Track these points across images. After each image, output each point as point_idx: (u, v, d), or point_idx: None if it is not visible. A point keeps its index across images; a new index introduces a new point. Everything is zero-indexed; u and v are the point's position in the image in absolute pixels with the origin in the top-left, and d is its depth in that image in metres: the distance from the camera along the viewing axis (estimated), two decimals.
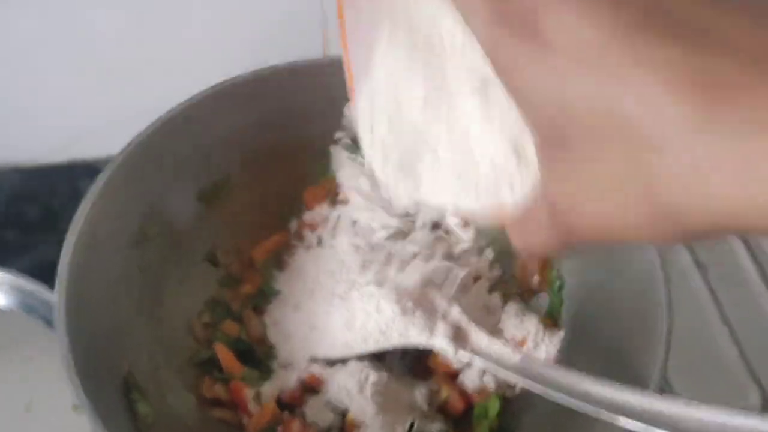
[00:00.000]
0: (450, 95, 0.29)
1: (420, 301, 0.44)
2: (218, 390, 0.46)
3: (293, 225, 0.54)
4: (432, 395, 0.47)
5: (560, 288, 0.50)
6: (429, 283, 0.46)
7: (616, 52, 0.19)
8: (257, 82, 0.52)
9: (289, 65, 0.52)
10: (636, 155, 0.20)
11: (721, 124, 0.18)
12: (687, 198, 0.19)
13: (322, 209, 0.52)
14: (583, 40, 0.20)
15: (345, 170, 0.50)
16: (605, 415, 0.35)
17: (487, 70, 0.24)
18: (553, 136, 0.22)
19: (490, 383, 0.46)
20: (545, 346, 0.46)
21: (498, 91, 0.27)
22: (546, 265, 0.51)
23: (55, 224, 0.64)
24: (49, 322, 0.54)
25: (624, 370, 0.42)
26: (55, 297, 0.42)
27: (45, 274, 0.55)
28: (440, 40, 0.29)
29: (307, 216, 0.52)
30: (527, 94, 0.22)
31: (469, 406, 0.47)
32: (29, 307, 0.55)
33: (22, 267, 0.58)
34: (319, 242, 0.51)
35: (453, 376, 0.47)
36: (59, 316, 0.41)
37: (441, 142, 0.30)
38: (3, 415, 0.52)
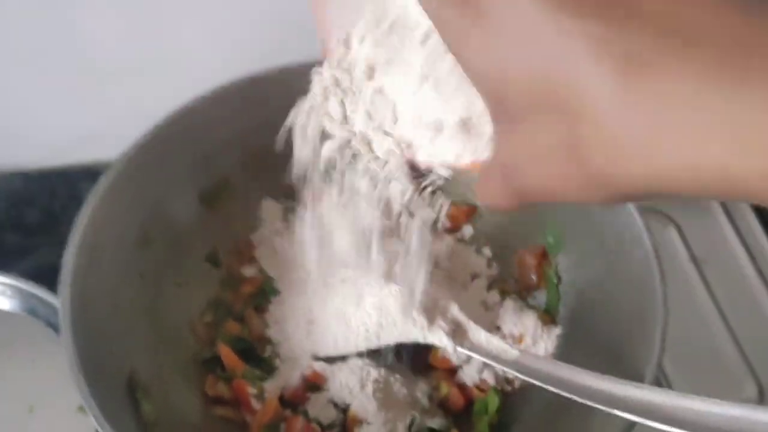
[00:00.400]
0: (411, 71, 0.30)
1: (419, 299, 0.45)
2: (221, 388, 0.47)
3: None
4: (432, 391, 0.47)
5: (557, 284, 0.51)
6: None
7: (547, 24, 0.20)
8: (256, 84, 0.52)
9: (287, 67, 0.52)
10: (567, 125, 0.21)
11: (637, 96, 0.19)
12: (612, 166, 0.21)
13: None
14: (516, 13, 0.21)
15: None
16: (603, 408, 0.35)
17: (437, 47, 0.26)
18: (498, 105, 0.23)
19: (489, 379, 0.47)
20: (543, 342, 0.47)
21: (447, 70, 0.29)
22: (543, 262, 0.51)
23: (55, 227, 0.64)
24: (51, 325, 0.55)
25: (621, 364, 0.42)
26: (59, 299, 0.42)
27: (46, 277, 0.55)
28: (405, 21, 0.30)
29: None
30: (471, 64, 0.23)
31: (469, 402, 0.47)
32: (32, 309, 0.56)
33: (24, 270, 0.58)
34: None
35: (452, 372, 0.48)
36: (64, 318, 0.41)
37: (406, 108, 0.31)
38: (6, 418, 0.52)
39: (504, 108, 0.23)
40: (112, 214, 0.46)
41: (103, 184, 0.46)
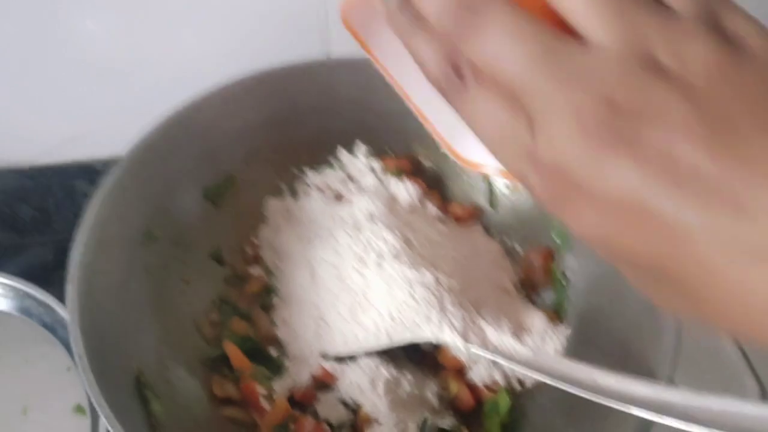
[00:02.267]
0: None
1: (429, 298, 0.45)
2: (229, 389, 0.46)
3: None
4: (442, 391, 0.47)
5: (565, 284, 0.51)
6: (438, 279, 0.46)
7: (657, 211, 0.20)
8: (261, 83, 0.52)
9: (291, 65, 0.53)
10: (689, 299, 0.22)
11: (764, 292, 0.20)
12: (737, 331, 0.21)
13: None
14: (619, 194, 0.21)
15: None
16: (616, 405, 0.35)
17: None
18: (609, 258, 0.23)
19: (499, 378, 0.47)
20: (552, 341, 0.46)
21: None
22: (550, 262, 0.51)
23: (49, 225, 0.63)
24: (45, 325, 0.54)
25: (632, 363, 0.42)
26: (66, 296, 0.41)
27: (40, 275, 0.55)
28: None
29: None
30: (573, 228, 0.23)
31: (479, 402, 0.47)
32: (25, 309, 0.55)
33: (17, 269, 0.57)
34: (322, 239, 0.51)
35: (462, 371, 0.47)
36: (72, 315, 0.40)
37: None
38: None
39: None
40: (118, 210, 0.46)
41: (109, 180, 0.46)
